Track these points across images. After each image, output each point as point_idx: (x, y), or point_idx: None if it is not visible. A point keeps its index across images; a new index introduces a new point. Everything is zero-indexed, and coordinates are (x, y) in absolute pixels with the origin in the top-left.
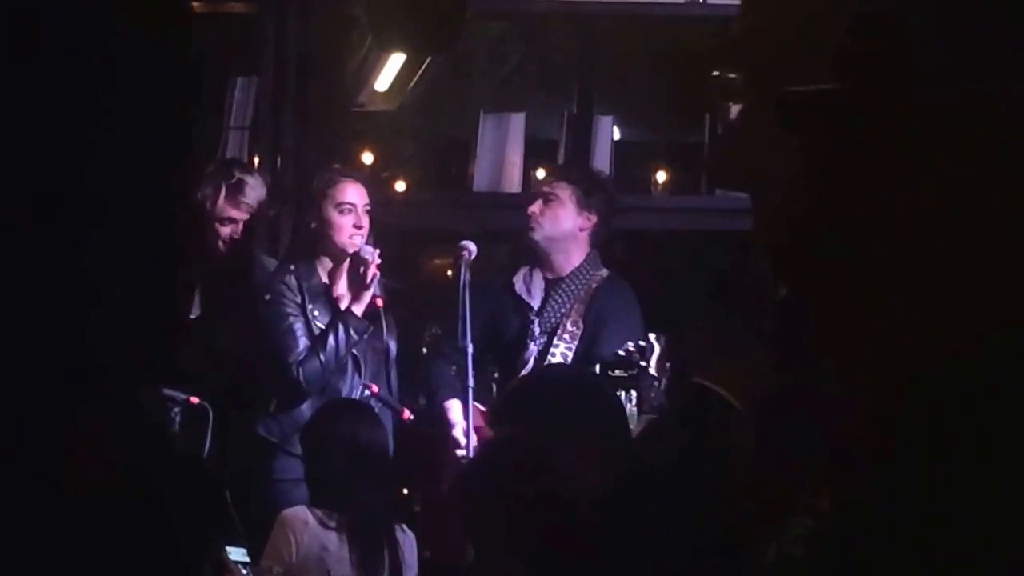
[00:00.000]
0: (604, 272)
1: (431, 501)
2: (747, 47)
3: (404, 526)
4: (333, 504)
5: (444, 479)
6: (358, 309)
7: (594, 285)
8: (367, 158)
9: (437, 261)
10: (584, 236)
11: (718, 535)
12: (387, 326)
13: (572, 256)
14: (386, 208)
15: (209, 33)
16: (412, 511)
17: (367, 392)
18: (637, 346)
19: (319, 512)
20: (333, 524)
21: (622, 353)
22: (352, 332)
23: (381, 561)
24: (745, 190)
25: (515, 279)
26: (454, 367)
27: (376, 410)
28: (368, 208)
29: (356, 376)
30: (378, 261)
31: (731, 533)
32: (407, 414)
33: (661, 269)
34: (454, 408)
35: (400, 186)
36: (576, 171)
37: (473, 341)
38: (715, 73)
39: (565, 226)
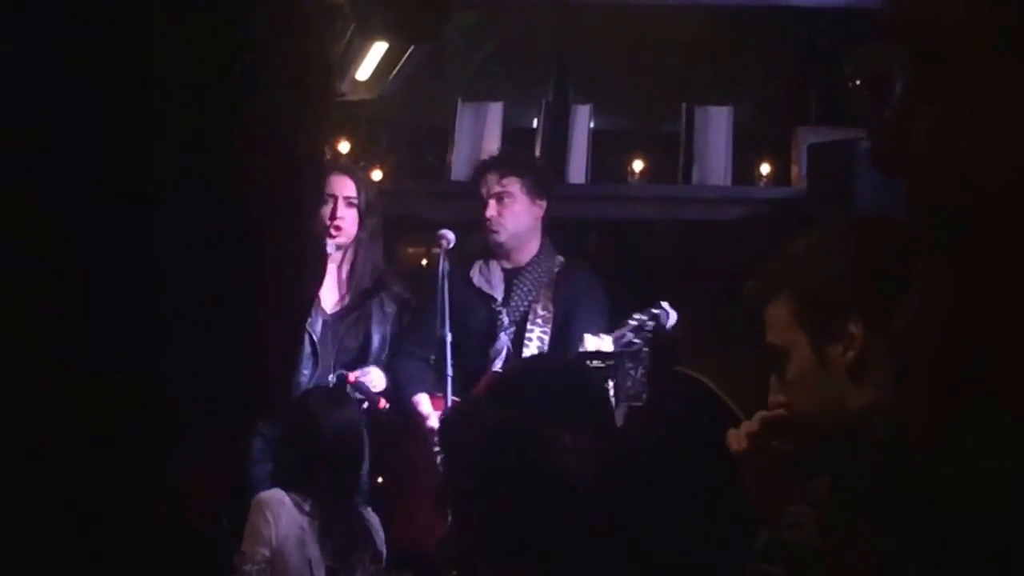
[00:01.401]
0: (561, 258)
1: (402, 490)
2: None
3: (370, 509)
4: (303, 489)
5: (417, 470)
6: (327, 304)
7: (556, 270)
8: (343, 147)
9: (412, 250)
10: (539, 224)
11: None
12: (375, 318)
13: (530, 245)
14: None
15: None
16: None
17: (343, 381)
18: (651, 313)
19: (294, 495)
20: (307, 508)
21: (642, 318)
22: (316, 329)
23: (355, 545)
24: (915, 175)
25: (471, 273)
26: (421, 361)
27: (350, 397)
28: (353, 201)
29: (310, 362)
30: (332, 254)
31: (720, 519)
32: (383, 403)
33: (637, 258)
34: (423, 401)
35: (377, 175)
36: (519, 163)
37: (451, 330)
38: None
39: (523, 220)
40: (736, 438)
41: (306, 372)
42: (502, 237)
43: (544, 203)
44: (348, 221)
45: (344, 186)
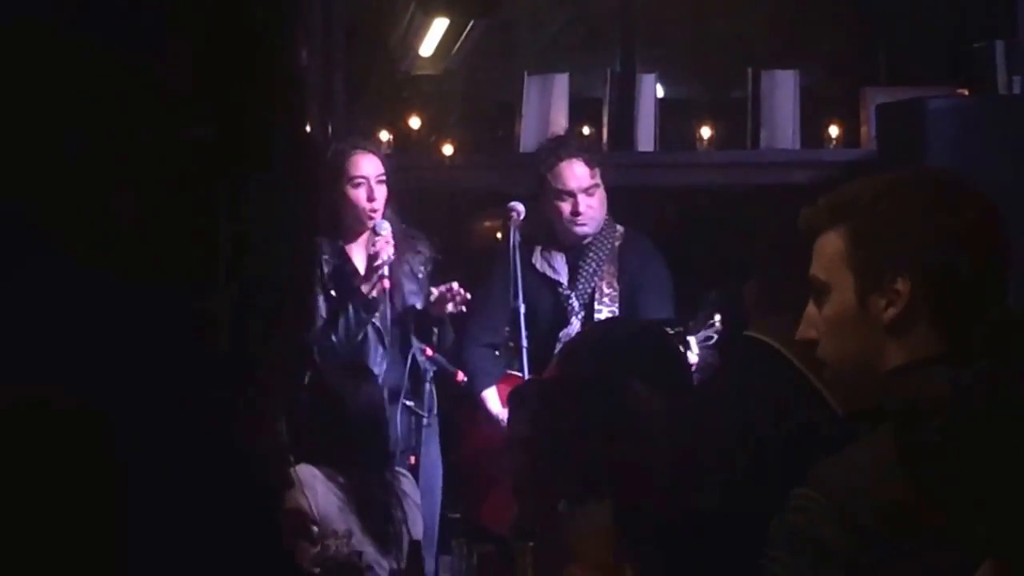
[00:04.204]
0: (620, 228)
1: (479, 471)
2: None
3: (411, 481)
4: (334, 464)
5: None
6: (367, 287)
7: (617, 243)
8: (415, 123)
9: (487, 224)
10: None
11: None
12: (406, 284)
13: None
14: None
15: (255, 4)
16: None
17: (423, 355)
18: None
19: (325, 469)
20: (340, 480)
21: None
22: (362, 312)
23: (390, 518)
24: None
25: (534, 259)
26: (487, 348)
27: (377, 373)
28: (382, 179)
29: (380, 348)
30: (388, 236)
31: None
32: (460, 376)
33: (708, 226)
34: (491, 399)
35: (447, 150)
36: (596, 150)
37: (525, 302)
38: None
39: (604, 204)
40: None
41: (378, 354)
42: (591, 228)
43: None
44: (382, 199)
45: (372, 165)
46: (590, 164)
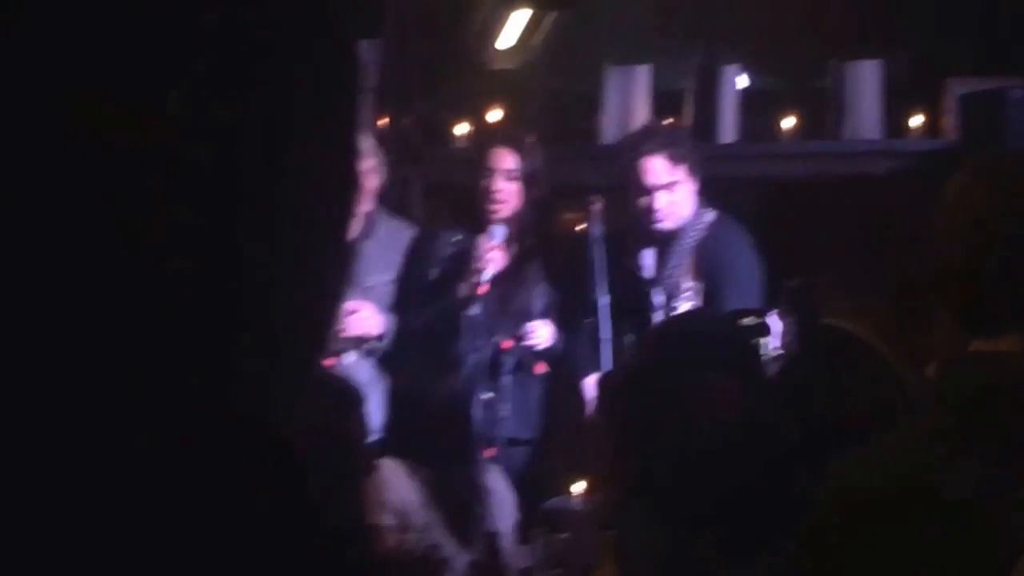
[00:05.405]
0: (709, 216)
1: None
2: None
3: (498, 474)
4: (415, 458)
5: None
6: (462, 286)
7: (703, 235)
8: (495, 116)
9: (568, 216)
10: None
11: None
12: (534, 282)
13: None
14: None
15: None
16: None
17: (501, 348)
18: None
19: (407, 464)
20: (421, 475)
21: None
22: (450, 307)
23: (471, 513)
24: None
25: (620, 251)
26: (586, 335)
27: (460, 366)
28: (514, 174)
29: (466, 341)
30: (496, 246)
31: None
32: (540, 367)
33: (791, 216)
34: (590, 385)
35: None
36: (683, 144)
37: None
38: None
39: (689, 204)
40: None
41: (462, 348)
42: (671, 224)
43: (691, 168)
44: (508, 195)
45: (504, 159)
46: (673, 160)
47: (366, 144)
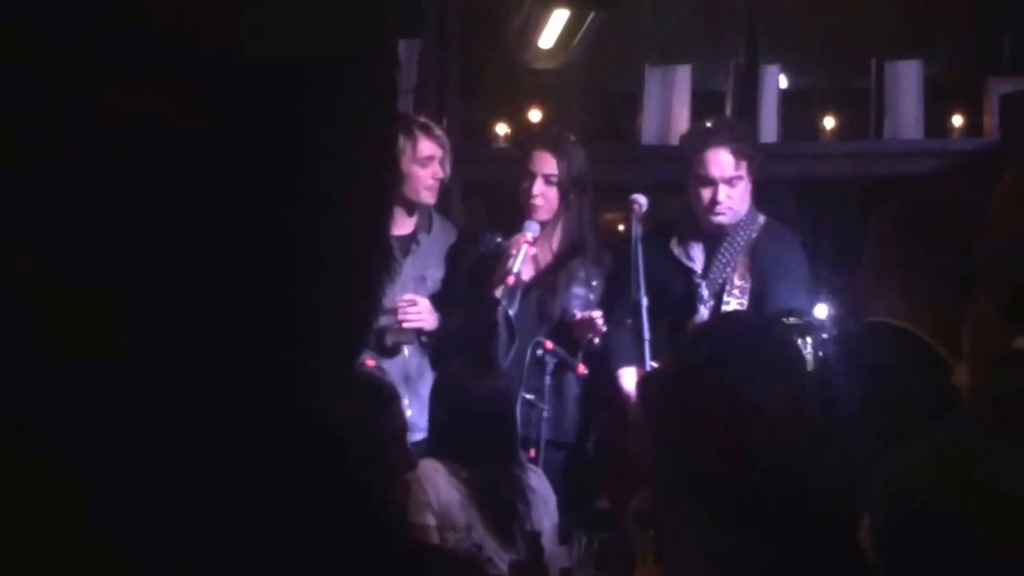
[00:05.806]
0: (761, 219)
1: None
2: None
3: (540, 475)
4: (457, 458)
5: (622, 436)
6: (495, 282)
7: (754, 235)
8: (534, 116)
9: (608, 216)
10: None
11: None
12: (573, 286)
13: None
14: None
15: None
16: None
17: (540, 349)
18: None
19: (449, 464)
20: (464, 475)
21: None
22: (488, 304)
23: (513, 514)
24: None
25: (671, 244)
26: (629, 330)
27: (502, 366)
28: (553, 178)
29: (507, 341)
30: (528, 240)
31: None
32: (581, 369)
33: (832, 216)
34: (627, 376)
35: None
36: (748, 142)
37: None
38: None
39: (748, 200)
40: None
41: (504, 347)
42: (729, 219)
43: (751, 166)
44: (547, 198)
45: (544, 163)
46: (737, 155)
47: (437, 134)
